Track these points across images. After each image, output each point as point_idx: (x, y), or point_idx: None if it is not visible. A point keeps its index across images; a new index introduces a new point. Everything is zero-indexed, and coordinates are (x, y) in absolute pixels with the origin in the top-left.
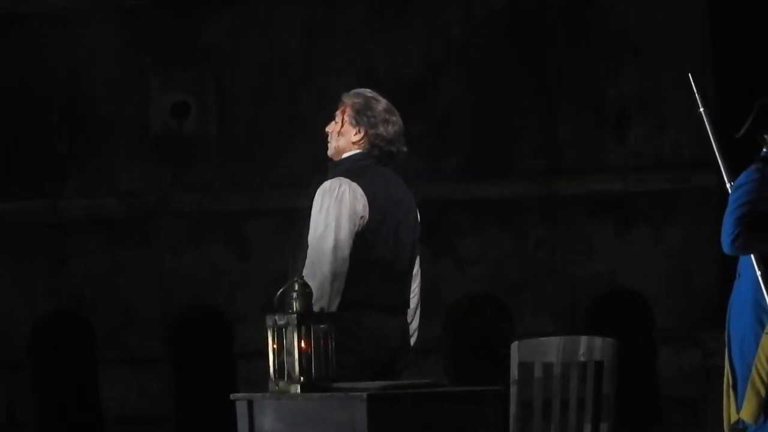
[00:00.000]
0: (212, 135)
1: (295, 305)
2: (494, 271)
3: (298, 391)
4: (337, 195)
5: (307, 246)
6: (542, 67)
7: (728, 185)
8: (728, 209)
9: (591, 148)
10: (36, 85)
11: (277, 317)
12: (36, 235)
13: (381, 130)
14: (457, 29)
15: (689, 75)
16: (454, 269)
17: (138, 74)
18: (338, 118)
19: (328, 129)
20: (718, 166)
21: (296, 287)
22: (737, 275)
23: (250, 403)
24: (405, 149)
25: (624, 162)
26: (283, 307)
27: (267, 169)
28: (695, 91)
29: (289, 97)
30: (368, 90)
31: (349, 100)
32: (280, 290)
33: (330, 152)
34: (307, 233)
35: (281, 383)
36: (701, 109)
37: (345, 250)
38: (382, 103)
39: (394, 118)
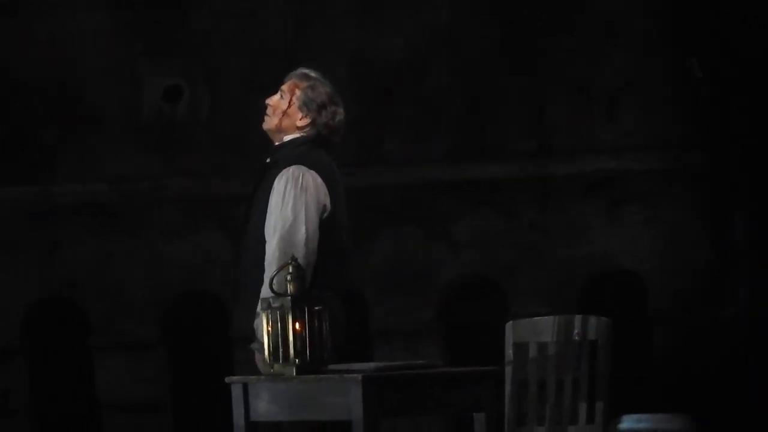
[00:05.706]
0: (203, 120)
1: (290, 287)
2: (487, 253)
3: (294, 373)
4: (301, 184)
5: (255, 232)
6: (531, 49)
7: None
8: None
9: (582, 129)
10: (25, 71)
11: (271, 300)
12: (27, 222)
13: (328, 119)
14: (445, 12)
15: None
16: (447, 252)
17: (128, 59)
18: (286, 96)
19: (271, 101)
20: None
21: (290, 269)
22: None
23: (245, 386)
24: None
25: (616, 142)
26: (277, 289)
27: (258, 154)
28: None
29: (279, 81)
30: (314, 72)
31: (300, 81)
32: (275, 272)
33: (267, 126)
34: (255, 219)
35: (276, 366)
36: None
37: (315, 241)
38: (328, 89)
39: (340, 109)
